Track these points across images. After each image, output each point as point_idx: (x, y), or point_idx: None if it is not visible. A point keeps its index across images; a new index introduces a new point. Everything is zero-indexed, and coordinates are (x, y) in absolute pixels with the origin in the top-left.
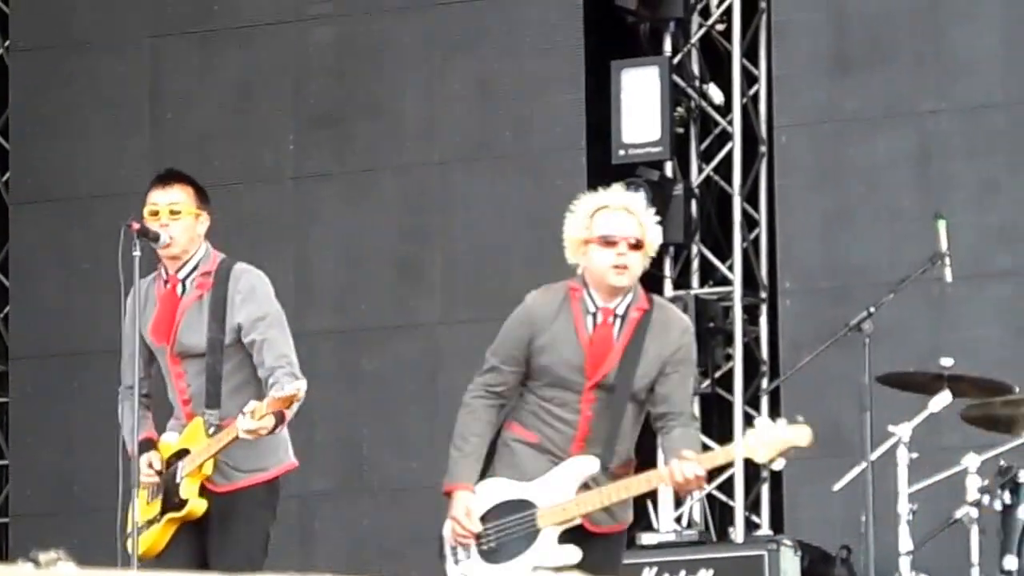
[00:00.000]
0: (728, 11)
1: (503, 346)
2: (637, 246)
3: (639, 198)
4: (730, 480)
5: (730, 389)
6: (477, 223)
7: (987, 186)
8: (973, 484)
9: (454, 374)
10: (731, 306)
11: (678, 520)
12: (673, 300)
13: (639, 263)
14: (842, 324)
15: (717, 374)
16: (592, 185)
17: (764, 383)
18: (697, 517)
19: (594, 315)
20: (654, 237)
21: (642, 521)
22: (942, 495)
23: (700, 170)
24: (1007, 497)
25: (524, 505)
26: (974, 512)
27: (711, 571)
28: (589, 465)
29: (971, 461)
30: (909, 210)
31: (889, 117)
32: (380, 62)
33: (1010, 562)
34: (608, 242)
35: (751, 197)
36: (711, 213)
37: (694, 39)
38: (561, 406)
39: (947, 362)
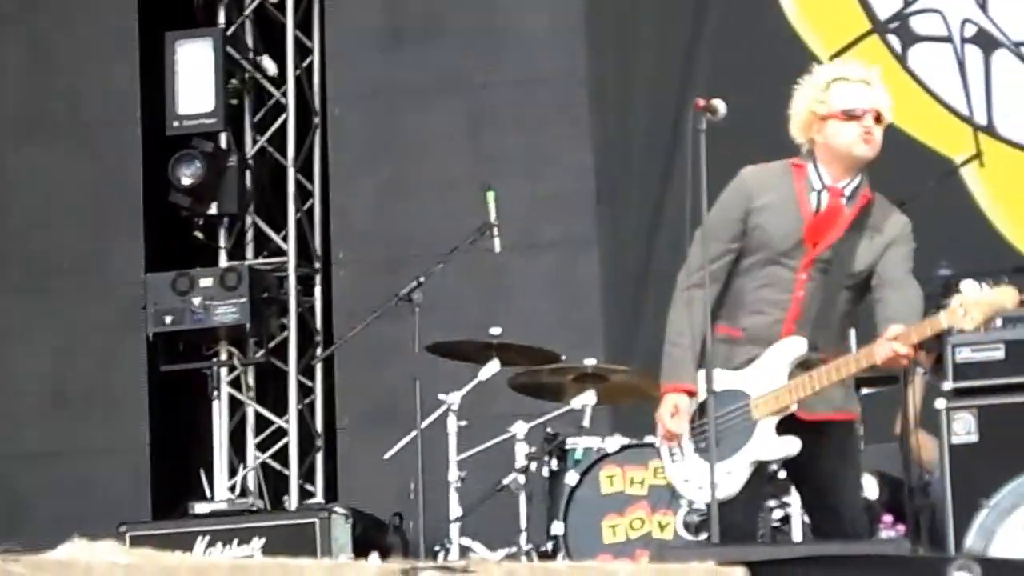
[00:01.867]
0: None
1: (715, 219)
2: (879, 119)
3: (875, 70)
4: (284, 449)
5: (285, 359)
6: (32, 194)
7: (536, 158)
8: (521, 451)
9: (9, 346)
10: (286, 276)
11: (232, 489)
12: (228, 271)
13: (881, 138)
14: (395, 294)
15: (272, 344)
16: (147, 157)
17: (318, 352)
18: (252, 486)
19: (819, 192)
20: (889, 112)
21: (195, 491)
22: (491, 462)
23: (254, 141)
24: (554, 464)
25: (736, 396)
26: (522, 479)
27: (263, 540)
28: (797, 346)
29: (519, 428)
30: (461, 181)
31: (442, 90)
32: None
33: (557, 527)
34: (851, 116)
35: (305, 169)
36: (265, 184)
37: (248, 11)
38: (773, 286)
39: (496, 331)
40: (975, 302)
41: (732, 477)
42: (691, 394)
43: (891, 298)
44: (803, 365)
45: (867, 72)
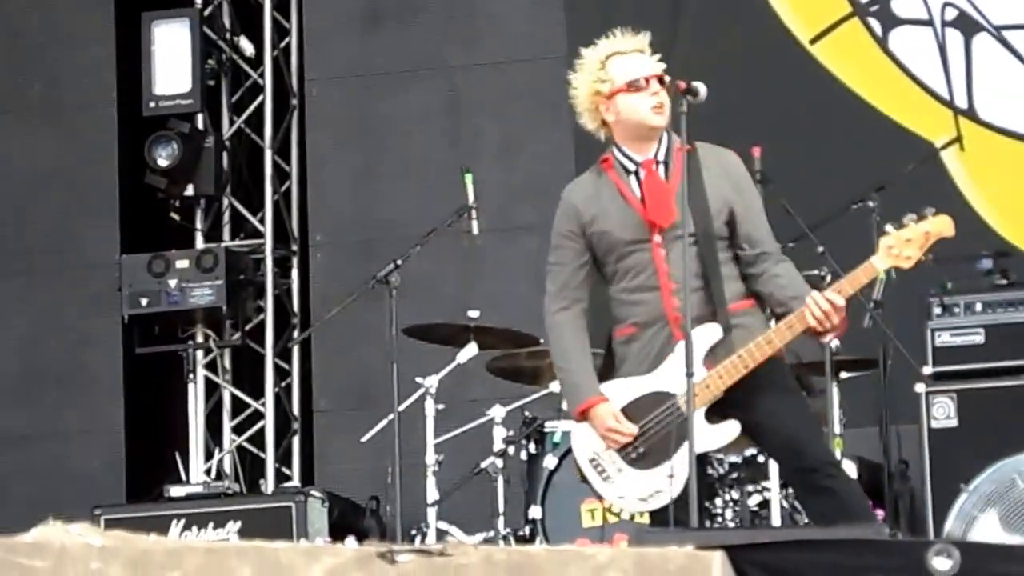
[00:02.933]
0: None
1: (556, 245)
2: (661, 84)
3: (643, 37)
4: (261, 432)
5: (262, 342)
6: (7, 176)
7: (513, 140)
8: (499, 435)
9: None
10: (262, 259)
11: (208, 472)
12: (204, 253)
13: (668, 99)
14: (371, 277)
15: (248, 327)
16: (123, 139)
17: (295, 335)
18: (228, 469)
19: (635, 172)
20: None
21: (171, 474)
22: (469, 446)
23: (231, 123)
24: (532, 447)
25: (661, 396)
26: (500, 462)
27: (239, 523)
28: (709, 333)
29: (497, 412)
30: (439, 164)
31: (420, 72)
32: None
33: (535, 511)
34: (636, 87)
35: (282, 150)
36: (242, 166)
37: None
38: (637, 272)
39: (474, 314)
40: (906, 239)
41: (676, 479)
42: (605, 400)
43: (779, 271)
44: (714, 349)
45: (637, 40)
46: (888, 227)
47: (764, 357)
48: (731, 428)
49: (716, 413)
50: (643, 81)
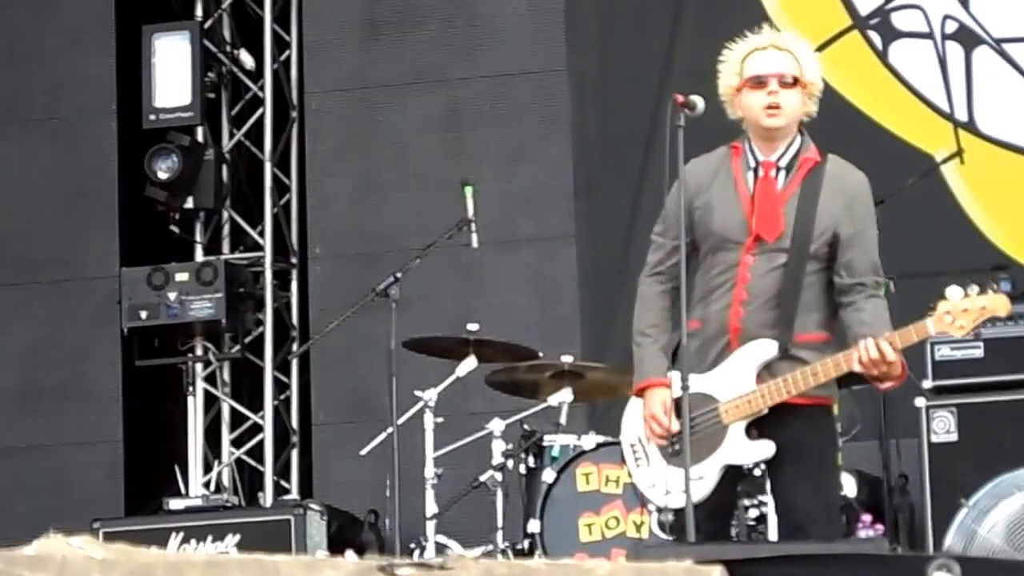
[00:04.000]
0: None
1: (664, 218)
2: (792, 83)
3: (790, 34)
4: (260, 445)
5: (261, 355)
6: (6, 187)
7: (513, 153)
8: (498, 448)
9: None
10: (262, 272)
11: (207, 485)
12: (204, 266)
13: (796, 102)
14: (371, 290)
15: (247, 339)
16: (123, 151)
17: (294, 348)
18: (227, 482)
19: (755, 169)
20: (813, 72)
21: (170, 486)
22: (468, 459)
23: (231, 135)
24: (531, 461)
25: (705, 400)
26: (499, 476)
27: (238, 536)
28: (765, 349)
29: (496, 425)
30: (438, 176)
31: (420, 84)
32: None
33: (533, 525)
34: (758, 83)
35: (282, 163)
36: (242, 179)
37: (225, 4)
38: (720, 271)
39: (473, 327)
40: (963, 309)
41: (703, 482)
42: (667, 386)
43: (866, 306)
44: (770, 367)
45: (777, 36)
46: (949, 291)
47: (807, 387)
48: (766, 447)
49: (757, 429)
50: (764, 76)
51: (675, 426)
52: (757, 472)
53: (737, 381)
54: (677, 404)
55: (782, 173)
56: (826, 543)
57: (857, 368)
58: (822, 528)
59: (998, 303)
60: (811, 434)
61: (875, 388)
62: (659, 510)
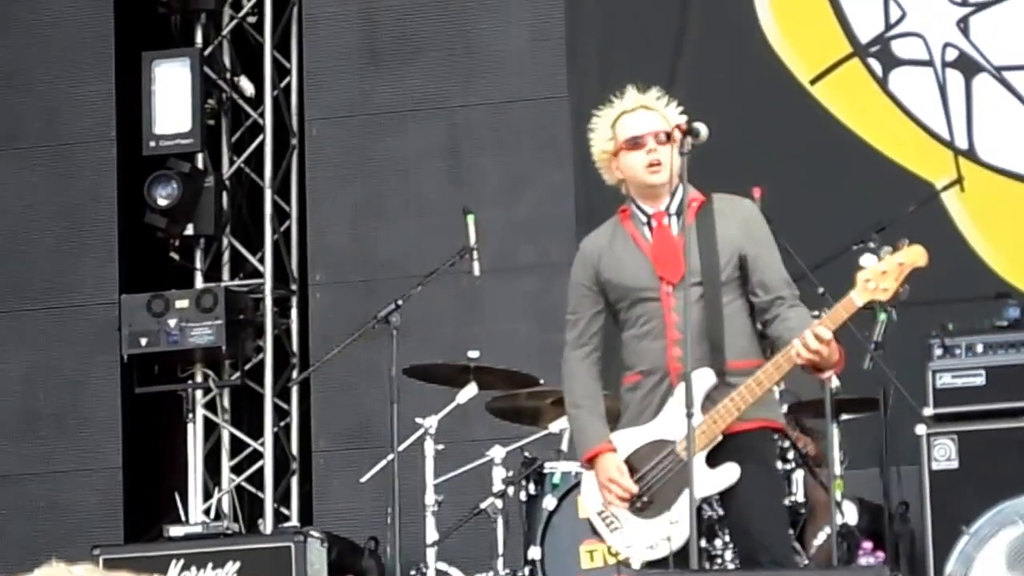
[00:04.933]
0: (259, 3)
1: (572, 295)
2: (666, 139)
3: (653, 92)
4: (260, 472)
5: (261, 381)
6: (4, 214)
7: (514, 180)
8: (498, 475)
9: None
10: (262, 298)
11: (207, 512)
12: (204, 292)
13: (671, 155)
14: (372, 317)
15: (247, 366)
16: (122, 177)
17: (294, 375)
18: (227, 509)
19: (647, 224)
20: (674, 119)
21: (170, 513)
22: (469, 486)
23: (231, 162)
24: (532, 488)
25: (660, 445)
26: (499, 503)
27: (238, 563)
28: (703, 378)
29: (496, 452)
30: (439, 204)
31: (420, 111)
32: None
33: (534, 552)
34: (635, 143)
35: (282, 190)
36: (242, 205)
37: (225, 31)
38: (646, 320)
39: (474, 354)
40: (882, 272)
41: (679, 525)
42: (613, 450)
43: (790, 314)
44: (711, 397)
45: (643, 97)
46: (862, 260)
47: (755, 397)
48: (731, 471)
49: (715, 457)
50: (640, 138)
51: (633, 487)
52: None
53: (683, 418)
54: (628, 464)
55: (673, 219)
56: (782, 568)
57: (798, 361)
58: (780, 549)
59: (915, 254)
60: (759, 456)
61: (816, 378)
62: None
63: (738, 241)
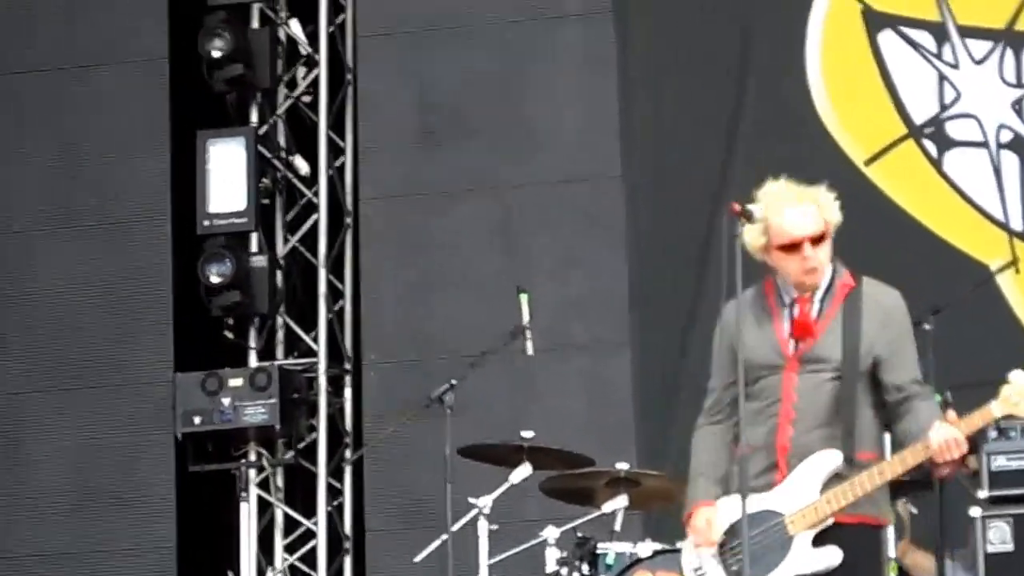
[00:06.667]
0: (315, 83)
1: (713, 362)
2: (820, 238)
3: (809, 188)
4: (313, 551)
5: (314, 460)
6: (60, 291)
7: (568, 259)
8: (552, 556)
9: (35, 444)
10: (315, 377)
11: None
12: (258, 371)
13: (826, 253)
14: (425, 396)
15: (301, 445)
16: (177, 255)
17: (347, 454)
18: None
19: (790, 306)
20: (833, 216)
21: None
22: (522, 567)
23: (286, 241)
24: (585, 569)
25: (768, 515)
26: None
27: None
28: (831, 459)
29: (550, 533)
30: (491, 282)
31: (473, 189)
32: None
33: None
34: (790, 247)
35: (336, 268)
36: (296, 284)
37: (281, 110)
38: (766, 397)
39: (528, 434)
40: None
41: None
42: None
43: (921, 407)
44: (837, 477)
45: (800, 193)
46: (1012, 375)
47: (874, 487)
48: (833, 554)
49: (821, 538)
50: (796, 242)
51: (717, 536)
52: None
53: (802, 493)
54: (733, 528)
55: (817, 304)
56: None
57: (933, 451)
58: None
59: None
60: (861, 553)
61: (935, 475)
62: None
63: (876, 340)
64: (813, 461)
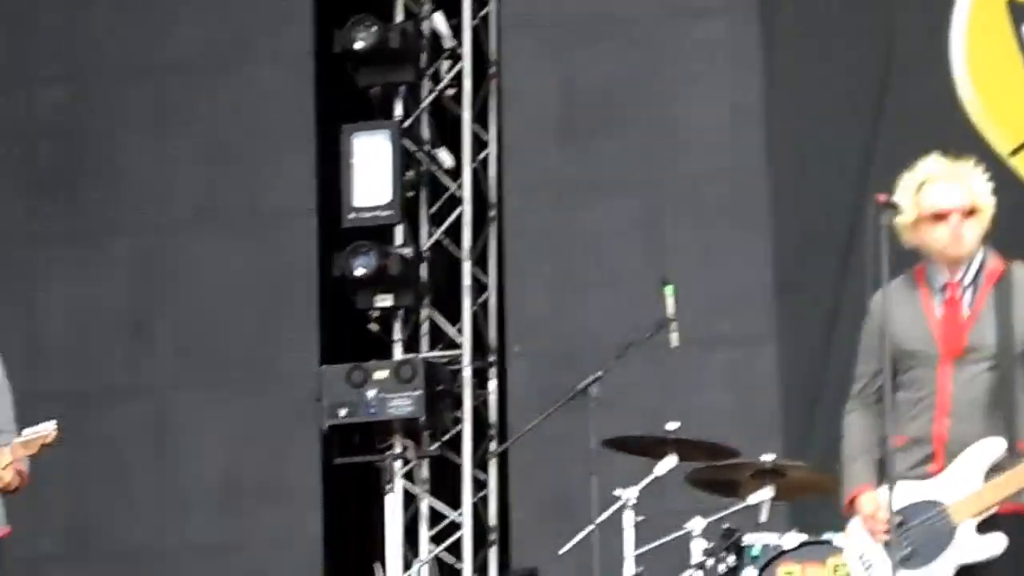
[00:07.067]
0: (458, 76)
1: (860, 350)
2: (970, 212)
3: (962, 164)
4: (458, 543)
5: (459, 452)
6: (207, 286)
7: (711, 252)
8: (698, 547)
9: (183, 438)
10: (460, 369)
11: None
12: (403, 364)
13: (975, 229)
14: (570, 388)
15: (446, 437)
16: (323, 249)
17: (492, 446)
18: None
19: (942, 291)
20: (984, 196)
21: None
22: (668, 558)
23: (430, 234)
24: (731, 560)
25: (929, 505)
26: (699, 574)
27: None
28: (994, 447)
29: (696, 524)
30: (636, 275)
31: (616, 182)
32: (110, 124)
33: None
34: (939, 217)
35: (480, 261)
36: (440, 277)
37: (425, 103)
38: (919, 388)
39: (673, 426)
40: None
41: None
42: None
43: None
44: (997, 467)
45: (952, 168)
46: None
47: None
48: (998, 540)
49: (986, 525)
50: (944, 211)
51: (886, 518)
52: None
53: (964, 482)
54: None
55: (968, 291)
56: None
57: None
58: None
59: None
60: (1022, 542)
61: None
62: None
63: None
64: (976, 450)
